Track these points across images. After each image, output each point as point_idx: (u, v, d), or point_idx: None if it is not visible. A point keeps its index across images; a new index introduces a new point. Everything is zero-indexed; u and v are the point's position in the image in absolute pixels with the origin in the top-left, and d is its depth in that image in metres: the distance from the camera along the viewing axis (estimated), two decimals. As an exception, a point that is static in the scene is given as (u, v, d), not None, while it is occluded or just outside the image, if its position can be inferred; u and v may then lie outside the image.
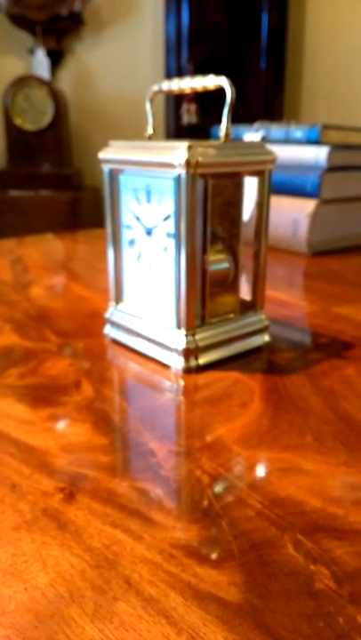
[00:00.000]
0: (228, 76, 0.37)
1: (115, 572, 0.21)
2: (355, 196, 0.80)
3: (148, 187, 0.39)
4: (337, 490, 0.25)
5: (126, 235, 0.42)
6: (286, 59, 2.11)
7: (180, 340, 0.38)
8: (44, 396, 0.35)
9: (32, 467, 0.27)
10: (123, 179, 0.41)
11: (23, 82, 2.05)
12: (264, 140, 0.81)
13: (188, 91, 0.39)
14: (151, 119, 0.42)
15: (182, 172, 0.35)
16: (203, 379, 0.37)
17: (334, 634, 0.18)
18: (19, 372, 0.38)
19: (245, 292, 0.43)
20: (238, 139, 0.82)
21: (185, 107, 2.06)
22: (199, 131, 2.04)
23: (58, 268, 0.71)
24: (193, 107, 2.05)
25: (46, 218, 2.00)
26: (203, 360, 0.39)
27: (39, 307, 0.53)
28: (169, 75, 2.10)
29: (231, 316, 0.41)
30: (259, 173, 0.40)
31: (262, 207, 0.40)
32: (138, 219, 0.41)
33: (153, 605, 0.19)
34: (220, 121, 0.38)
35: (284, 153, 0.76)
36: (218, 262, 0.40)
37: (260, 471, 0.27)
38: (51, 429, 0.31)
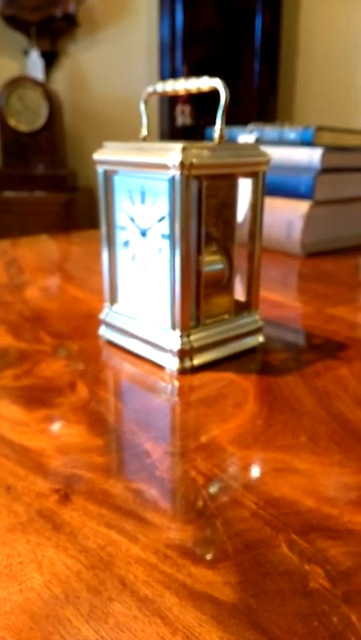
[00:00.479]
0: (222, 77, 0.37)
1: (110, 573, 0.21)
2: (348, 197, 0.80)
3: (142, 188, 0.39)
4: (331, 490, 0.26)
5: (121, 236, 0.42)
6: (280, 60, 2.12)
7: (174, 340, 0.38)
8: (38, 397, 0.35)
9: (27, 468, 0.27)
10: (117, 180, 0.41)
11: (17, 83, 2.04)
12: (258, 141, 0.81)
13: (182, 92, 0.39)
14: (146, 120, 0.42)
15: (176, 173, 0.35)
16: (197, 379, 0.37)
17: (329, 633, 0.18)
18: (13, 373, 0.38)
19: (240, 293, 0.43)
20: (232, 140, 0.83)
21: (179, 108, 2.06)
22: (193, 132, 2.04)
23: (52, 270, 0.71)
24: (187, 108, 2.06)
25: (41, 219, 2.00)
26: (197, 361, 0.39)
27: (34, 308, 0.53)
28: (163, 76, 2.10)
29: (226, 316, 0.42)
30: (253, 175, 0.40)
31: (256, 208, 0.41)
32: (132, 220, 0.41)
33: (148, 606, 0.19)
34: (214, 122, 0.38)
35: (278, 154, 0.76)
36: (212, 263, 0.40)
37: (255, 471, 0.27)
38: (46, 431, 0.31)
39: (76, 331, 0.46)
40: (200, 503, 0.25)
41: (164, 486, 0.26)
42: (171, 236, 0.37)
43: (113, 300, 0.44)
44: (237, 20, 2.06)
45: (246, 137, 0.82)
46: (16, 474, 0.27)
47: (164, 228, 0.38)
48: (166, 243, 0.38)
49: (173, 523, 0.23)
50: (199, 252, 0.39)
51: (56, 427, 0.31)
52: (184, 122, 2.07)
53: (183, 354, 0.38)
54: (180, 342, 0.38)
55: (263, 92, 2.09)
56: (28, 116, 2.05)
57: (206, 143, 0.37)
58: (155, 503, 0.25)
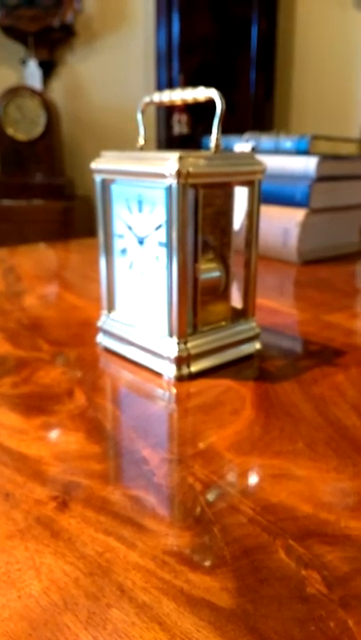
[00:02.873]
0: (218, 86, 0.38)
1: (108, 580, 0.21)
2: (344, 205, 0.81)
3: (139, 196, 0.39)
4: (328, 495, 0.26)
5: (118, 244, 0.42)
6: (276, 69, 2.13)
7: (172, 347, 0.38)
8: (37, 404, 0.35)
9: (25, 475, 0.27)
10: (115, 188, 0.42)
11: (15, 92, 2.05)
12: (254, 150, 0.82)
13: (178, 102, 0.40)
14: (143, 130, 0.42)
15: (173, 182, 0.35)
16: (195, 386, 0.37)
17: (326, 638, 0.18)
18: (12, 380, 0.38)
19: (237, 301, 0.43)
20: (229, 149, 0.83)
21: (176, 117, 2.08)
22: (190, 141, 2.05)
23: (50, 278, 0.71)
24: (184, 117, 2.07)
25: (38, 227, 2.00)
26: (195, 368, 0.39)
27: (32, 316, 0.53)
28: (160, 85, 2.12)
29: (223, 323, 0.42)
30: (249, 183, 0.40)
31: (252, 216, 0.41)
32: (130, 228, 0.41)
33: (146, 612, 0.19)
34: (210, 131, 0.38)
35: (273, 163, 0.77)
36: (209, 271, 0.40)
37: (252, 478, 0.27)
38: (44, 438, 0.31)
39: (74, 338, 0.47)
40: (198, 509, 0.25)
41: (161, 493, 0.26)
42: (168, 244, 0.37)
43: (111, 307, 0.44)
44: (233, 29, 2.08)
45: (242, 146, 0.83)
46: (14, 481, 0.27)
47: (162, 236, 0.38)
48: (163, 250, 0.38)
49: (171, 529, 0.23)
50: (196, 259, 0.39)
51: (54, 434, 0.31)
52: (181, 130, 2.08)
53: (180, 361, 0.38)
54: (177, 349, 0.38)
55: (259, 100, 2.11)
56: (25, 125, 2.06)
57: (203, 152, 0.37)
58: (153, 510, 0.25)
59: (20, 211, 2.04)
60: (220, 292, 0.41)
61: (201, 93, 0.38)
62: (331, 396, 0.36)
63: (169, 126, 2.10)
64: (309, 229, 0.75)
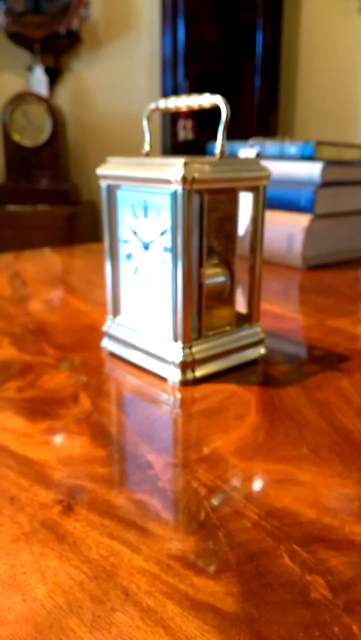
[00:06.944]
0: (223, 93, 0.38)
1: (113, 583, 0.21)
2: (348, 210, 0.81)
3: (145, 202, 0.40)
4: (332, 501, 0.26)
5: (123, 249, 0.43)
6: (281, 76, 2.14)
7: (176, 352, 0.38)
8: (42, 408, 0.35)
9: (31, 479, 0.27)
10: (120, 194, 0.42)
11: (21, 98, 2.07)
12: (259, 156, 0.82)
13: (184, 109, 0.40)
14: (148, 136, 0.42)
15: (179, 187, 0.36)
16: (199, 391, 0.38)
17: (330, 643, 0.18)
18: (17, 385, 0.38)
19: (241, 306, 0.43)
20: (233, 155, 0.84)
21: (181, 123, 2.09)
22: (195, 147, 2.06)
23: (55, 282, 0.71)
24: (189, 123, 2.08)
25: (44, 232, 2.01)
26: (199, 372, 0.39)
27: (37, 320, 0.53)
28: (165, 92, 2.13)
29: (227, 328, 0.42)
30: (254, 189, 0.41)
31: (257, 222, 0.41)
32: (135, 233, 0.41)
33: (151, 616, 0.19)
34: (215, 136, 0.38)
35: (278, 169, 0.77)
36: (214, 276, 0.40)
37: (257, 483, 0.27)
38: (49, 442, 0.31)
39: (79, 343, 0.47)
40: (202, 514, 0.25)
41: (166, 497, 0.26)
42: (173, 250, 0.37)
43: (115, 312, 0.44)
44: (238, 36, 2.09)
45: (247, 152, 0.83)
46: (19, 485, 0.27)
47: (167, 241, 0.38)
48: (168, 256, 0.38)
49: (176, 533, 0.23)
50: (201, 264, 0.39)
51: (59, 438, 0.32)
52: (186, 136, 2.09)
53: (185, 365, 0.38)
54: (181, 354, 0.38)
55: (264, 106, 2.12)
56: (31, 132, 2.08)
57: (208, 158, 0.38)
58: (157, 514, 0.25)
59: (25, 216, 2.05)
60: (224, 297, 0.41)
61: (206, 100, 0.38)
62: (335, 402, 0.36)
63: (174, 132, 2.11)
64: (314, 235, 0.75)
